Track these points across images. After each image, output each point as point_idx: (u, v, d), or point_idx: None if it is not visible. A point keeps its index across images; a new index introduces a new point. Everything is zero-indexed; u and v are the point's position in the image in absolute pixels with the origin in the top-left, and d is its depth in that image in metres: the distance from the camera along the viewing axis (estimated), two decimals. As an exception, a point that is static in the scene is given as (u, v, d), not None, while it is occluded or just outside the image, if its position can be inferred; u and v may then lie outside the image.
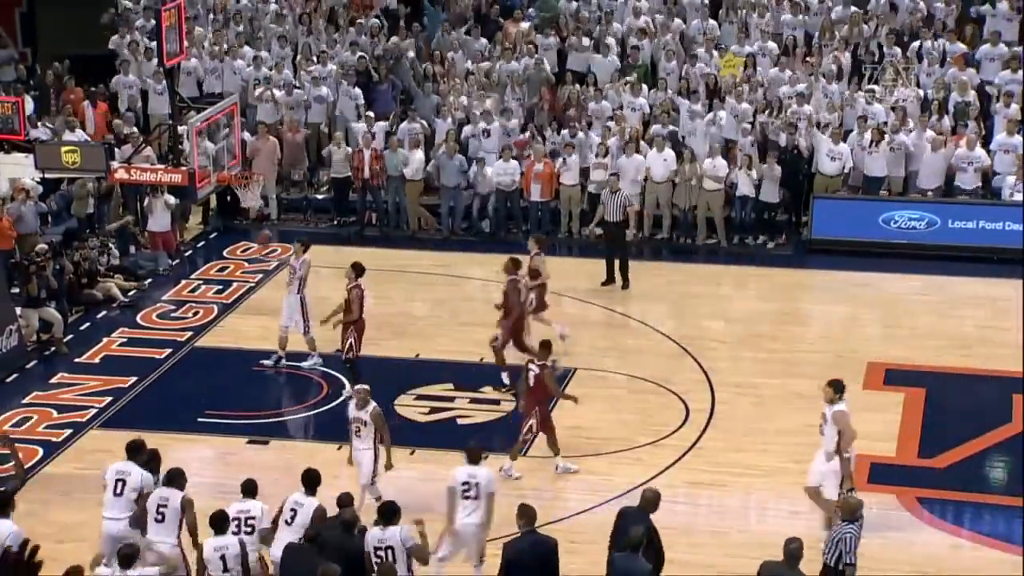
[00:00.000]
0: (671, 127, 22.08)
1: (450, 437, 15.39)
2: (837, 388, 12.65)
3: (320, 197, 23.21)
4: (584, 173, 21.68)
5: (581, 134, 21.88)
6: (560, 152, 21.69)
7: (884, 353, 17.21)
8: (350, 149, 22.16)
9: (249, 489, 11.60)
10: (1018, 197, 20.48)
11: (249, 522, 11.32)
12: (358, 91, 23.53)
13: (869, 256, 20.51)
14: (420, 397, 16.23)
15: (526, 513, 10.87)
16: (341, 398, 16.10)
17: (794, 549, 10.42)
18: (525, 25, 24.93)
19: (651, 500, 11.12)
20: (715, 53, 23.59)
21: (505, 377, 16.35)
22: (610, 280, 19.70)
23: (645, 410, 15.88)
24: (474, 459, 12.16)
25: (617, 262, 19.61)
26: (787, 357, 17.27)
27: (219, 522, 11.11)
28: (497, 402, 16.16)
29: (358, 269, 16.17)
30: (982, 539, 12.91)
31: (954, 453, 14.67)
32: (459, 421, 15.80)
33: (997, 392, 16.03)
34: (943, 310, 18.90)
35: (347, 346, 15.98)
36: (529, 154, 21.72)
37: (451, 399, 16.18)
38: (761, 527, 13.07)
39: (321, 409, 16.15)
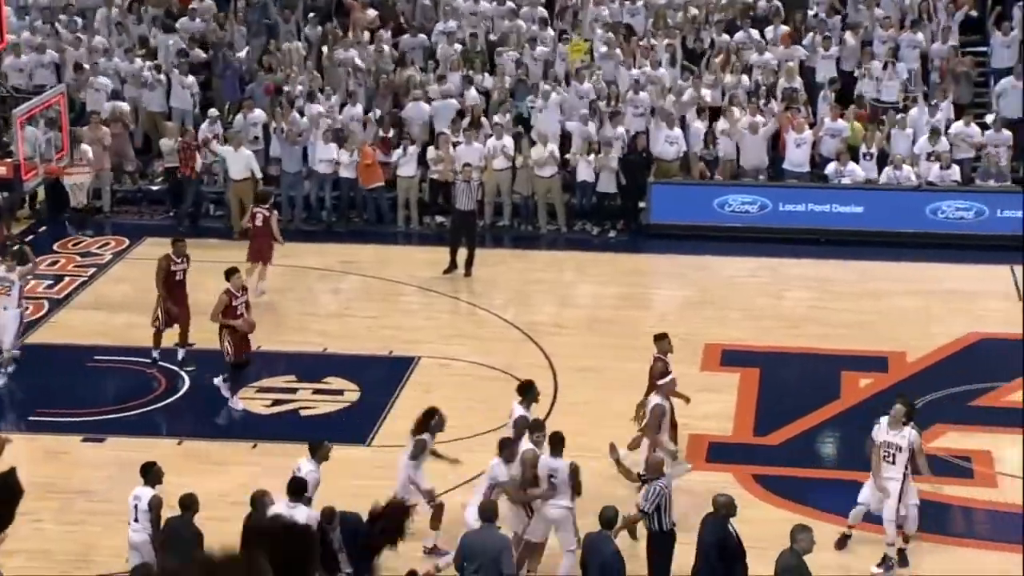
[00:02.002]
0: (513, 113, 22.26)
1: (293, 429, 15.26)
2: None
3: (155, 188, 22.71)
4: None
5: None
6: (399, 142, 21.65)
7: (720, 334, 17.63)
8: (179, 140, 21.72)
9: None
10: (845, 180, 21.19)
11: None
12: (192, 79, 23.11)
13: (705, 240, 20.98)
14: (262, 390, 16.03)
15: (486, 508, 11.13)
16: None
17: (610, 516, 10.86)
18: (372, 13, 24.80)
19: (725, 505, 11.10)
20: (556, 38, 23.85)
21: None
22: (452, 267, 19.74)
23: (489, 397, 15.94)
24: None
25: (465, 251, 19.65)
26: (627, 341, 17.54)
27: (145, 472, 11.42)
28: (340, 392, 16.07)
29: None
30: (816, 513, 13.30)
31: (787, 430, 15.11)
32: (302, 413, 15.66)
33: (826, 369, 16.57)
34: (775, 291, 19.45)
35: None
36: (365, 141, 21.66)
37: (293, 391, 16.01)
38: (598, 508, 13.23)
39: (158, 405, 15.83)
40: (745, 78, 22.69)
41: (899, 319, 18.12)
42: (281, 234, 18.75)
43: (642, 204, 21.60)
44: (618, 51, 23.32)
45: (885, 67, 22.64)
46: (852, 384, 16.21)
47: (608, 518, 10.91)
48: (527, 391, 13.39)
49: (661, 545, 11.47)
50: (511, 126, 21.95)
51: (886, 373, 16.42)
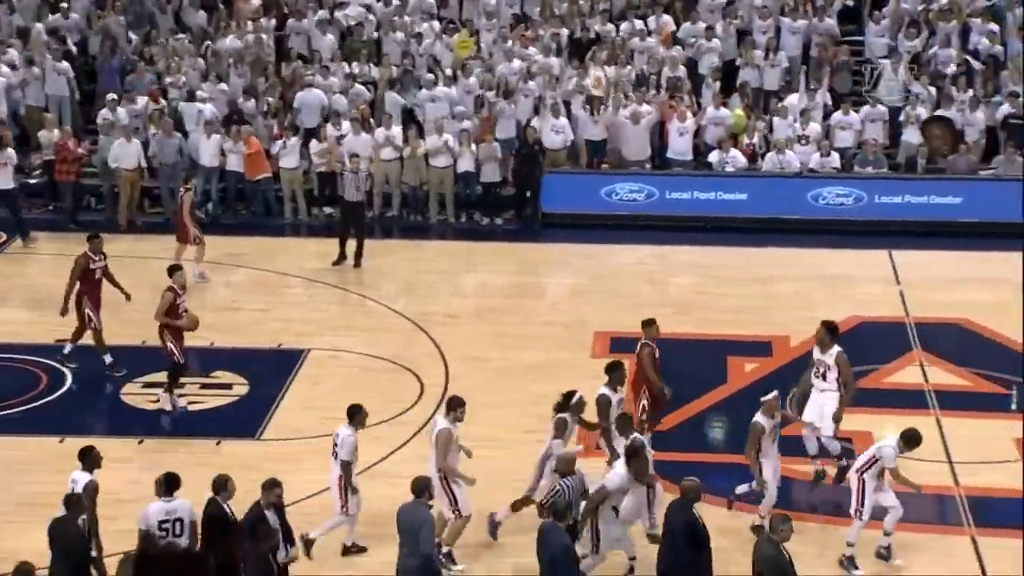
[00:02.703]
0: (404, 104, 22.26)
1: (180, 424, 15.06)
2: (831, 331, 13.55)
3: (32, 182, 22.21)
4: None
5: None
6: (281, 134, 21.50)
7: (610, 322, 17.78)
8: (59, 133, 21.29)
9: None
10: (728, 168, 21.53)
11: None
12: (66, 65, 22.65)
13: (593, 228, 21.16)
14: (148, 385, 15.78)
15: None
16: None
17: (561, 507, 10.79)
18: (256, 2, 24.54)
19: (691, 489, 11.06)
20: (441, 32, 23.85)
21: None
22: (341, 259, 19.65)
23: (380, 388, 15.92)
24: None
25: (354, 242, 19.58)
26: (518, 330, 17.64)
27: (83, 456, 11.35)
28: (229, 386, 15.89)
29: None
30: (705, 497, 13.42)
31: (676, 415, 15.27)
32: (190, 407, 15.45)
33: (713, 355, 16.81)
34: (662, 278, 19.69)
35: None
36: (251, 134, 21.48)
37: (181, 385, 15.77)
38: (497, 497, 13.28)
39: (41, 401, 15.48)
40: (630, 68, 22.91)
41: (783, 304, 18.46)
42: (194, 223, 18.86)
43: (529, 194, 21.71)
44: (508, 42, 23.43)
45: (767, 55, 23.05)
46: (738, 369, 16.47)
47: (559, 509, 10.89)
48: (613, 371, 13.28)
49: None
50: (400, 116, 21.94)
51: (771, 357, 16.72)
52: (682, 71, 22.90)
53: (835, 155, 21.53)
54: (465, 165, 21.46)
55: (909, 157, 21.95)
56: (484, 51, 23.52)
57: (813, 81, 22.67)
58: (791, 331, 17.28)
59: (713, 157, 21.70)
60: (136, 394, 15.58)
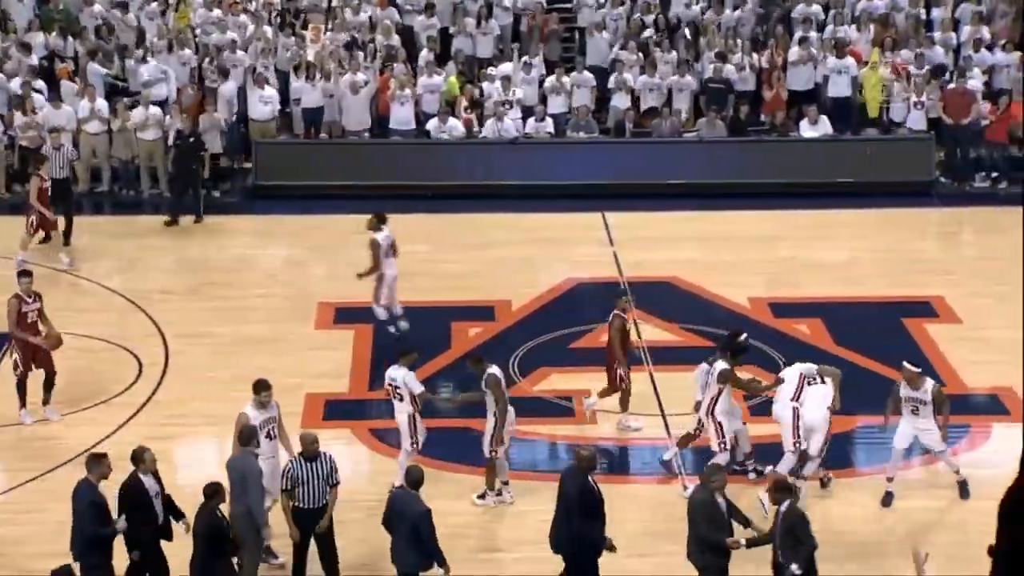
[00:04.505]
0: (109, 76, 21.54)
1: None
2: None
3: None
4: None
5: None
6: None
7: (335, 292, 17.73)
8: None
9: None
10: (443, 136, 21.73)
11: None
12: None
13: (313, 199, 20.98)
14: None
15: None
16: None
17: (417, 476, 10.76)
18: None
19: (587, 459, 10.98)
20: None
21: None
22: (48, 237, 18.86)
23: (97, 369, 15.45)
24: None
25: (62, 219, 18.88)
26: (239, 304, 17.40)
27: None
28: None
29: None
30: (433, 462, 13.62)
31: (402, 382, 15.39)
32: None
33: (437, 321, 16.99)
34: (385, 246, 19.70)
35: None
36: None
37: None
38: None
39: None
40: (343, 35, 22.80)
41: (504, 268, 18.81)
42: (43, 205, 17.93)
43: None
44: (217, 11, 22.94)
45: (479, 23, 23.37)
46: (462, 334, 16.69)
47: (415, 479, 10.78)
48: (737, 351, 13.14)
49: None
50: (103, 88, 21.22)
51: (494, 322, 17.04)
52: (396, 39, 22.94)
53: (549, 120, 22.04)
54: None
55: (618, 121, 22.71)
56: (194, 20, 22.93)
57: (532, 48, 23.08)
58: (513, 295, 17.66)
59: (431, 126, 21.86)
60: None
